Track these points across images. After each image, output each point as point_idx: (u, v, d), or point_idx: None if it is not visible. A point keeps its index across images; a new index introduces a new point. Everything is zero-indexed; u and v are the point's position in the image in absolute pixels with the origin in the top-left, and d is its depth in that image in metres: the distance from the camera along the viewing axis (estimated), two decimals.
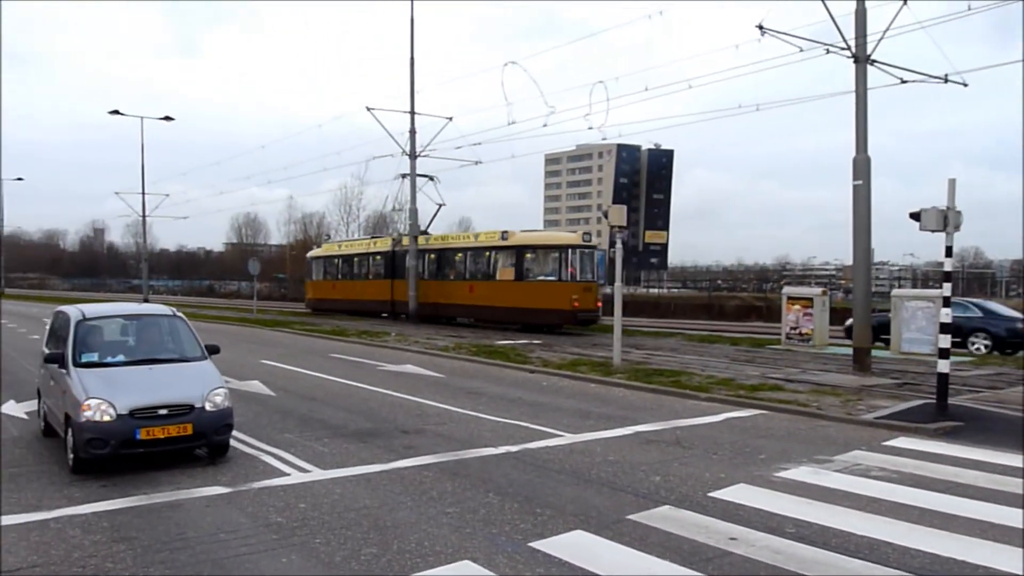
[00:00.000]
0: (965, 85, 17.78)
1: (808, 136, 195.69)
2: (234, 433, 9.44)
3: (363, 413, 12.22)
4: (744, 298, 49.46)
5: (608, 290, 33.09)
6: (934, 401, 12.16)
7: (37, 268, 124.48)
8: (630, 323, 30.18)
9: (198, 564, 5.78)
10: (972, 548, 6.04)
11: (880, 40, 17.00)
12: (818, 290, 24.31)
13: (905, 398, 13.07)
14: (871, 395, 13.50)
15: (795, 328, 22.52)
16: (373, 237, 44.37)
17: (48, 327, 10.85)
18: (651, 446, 9.88)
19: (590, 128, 25.54)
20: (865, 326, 17.17)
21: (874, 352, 17.80)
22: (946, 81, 17.69)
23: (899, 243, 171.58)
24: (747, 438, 10.34)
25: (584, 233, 30.06)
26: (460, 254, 32.40)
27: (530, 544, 6.16)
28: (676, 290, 75.67)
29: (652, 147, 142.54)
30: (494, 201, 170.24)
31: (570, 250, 28.12)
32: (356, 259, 40.94)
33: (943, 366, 11.96)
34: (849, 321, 24.74)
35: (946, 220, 11.87)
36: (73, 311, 9.83)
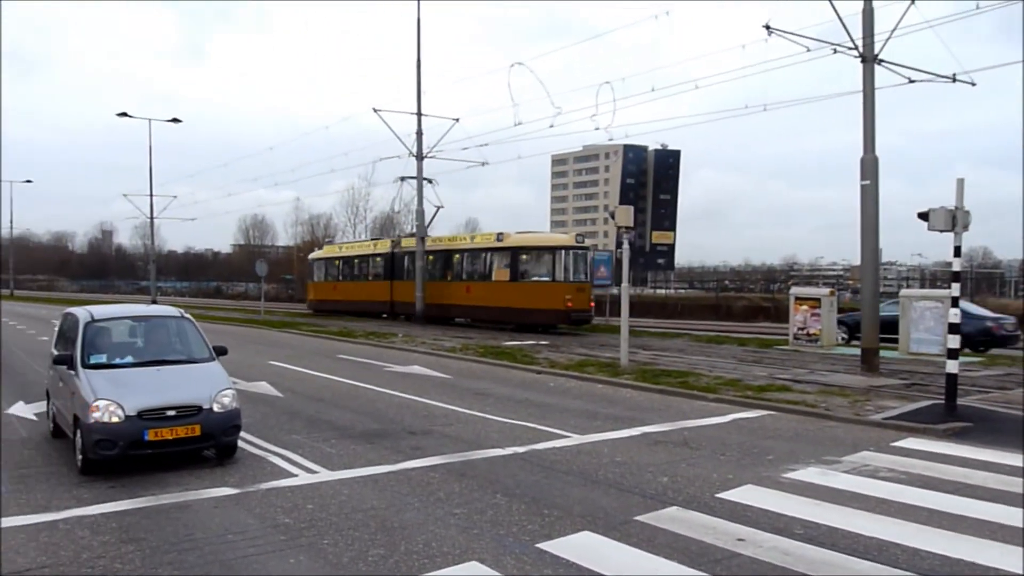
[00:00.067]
0: (973, 84, 17.70)
1: (815, 136, 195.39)
2: (242, 434, 9.46)
3: (370, 414, 12.23)
4: (751, 299, 49.33)
5: (615, 291, 33.15)
6: (943, 402, 12.09)
7: (46, 270, 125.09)
8: (637, 324, 30.18)
9: (206, 565, 5.80)
10: (981, 549, 6.02)
11: (888, 40, 16.96)
12: (826, 290, 24.23)
13: (914, 399, 13.02)
14: (879, 396, 13.45)
15: (803, 329, 22.46)
16: (373, 239, 44.85)
17: (57, 329, 10.89)
18: (659, 447, 9.86)
19: (597, 129, 25.68)
20: (873, 326, 17.10)
21: (882, 352, 17.74)
22: (954, 81, 17.63)
23: (907, 243, 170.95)
24: (755, 439, 10.32)
25: (577, 235, 30.88)
26: (458, 255, 32.93)
27: (538, 545, 6.16)
28: (683, 291, 75.58)
29: (659, 148, 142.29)
30: (502, 202, 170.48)
31: (563, 251, 28.68)
32: (356, 261, 41.54)
33: (952, 366, 11.90)
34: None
35: (954, 220, 11.82)
36: (82, 313, 9.87)
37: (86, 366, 8.95)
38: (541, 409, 12.62)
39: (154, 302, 35.81)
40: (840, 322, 23.72)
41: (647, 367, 17.44)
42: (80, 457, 8.46)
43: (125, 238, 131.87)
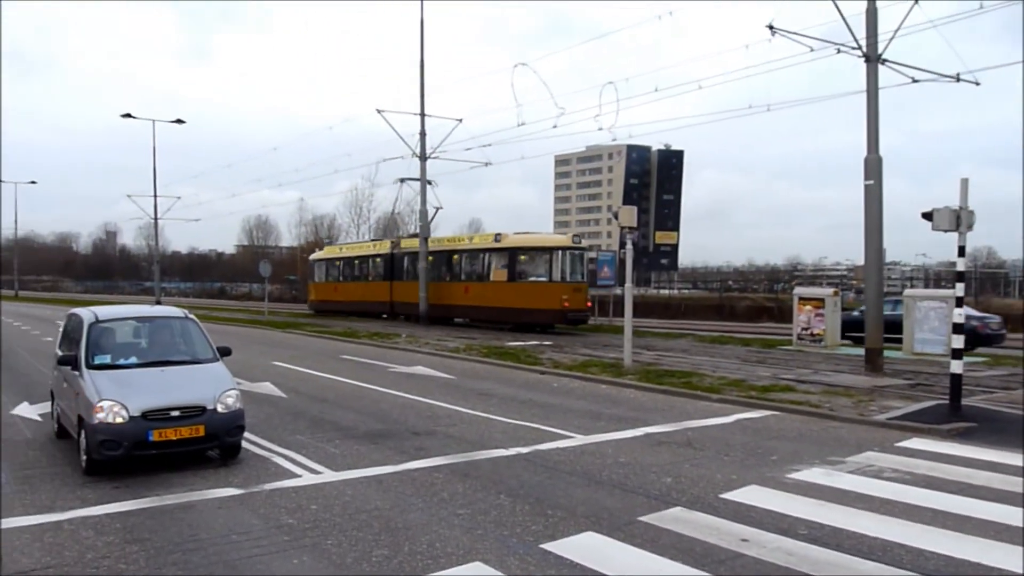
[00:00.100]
0: (977, 84, 17.67)
1: (819, 136, 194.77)
2: (246, 435, 9.47)
3: (374, 414, 12.24)
4: (755, 299, 49.26)
5: (619, 291, 33.18)
6: (947, 402, 12.08)
7: (50, 271, 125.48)
8: (641, 324, 30.15)
9: (210, 565, 5.81)
10: (986, 550, 6.00)
11: (891, 39, 16.95)
12: (830, 290, 24.20)
13: (918, 399, 13.00)
14: (883, 396, 13.43)
15: (806, 329, 22.44)
16: (373, 240, 45.12)
17: (61, 329, 10.92)
18: (662, 447, 9.86)
19: (600, 129, 25.86)
20: (877, 326, 17.07)
21: (886, 353, 17.71)
22: (958, 80, 17.59)
23: (911, 243, 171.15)
24: (759, 439, 10.30)
25: (574, 235, 31.41)
26: (456, 256, 33.28)
27: (541, 545, 6.16)
28: (687, 291, 75.49)
29: (662, 148, 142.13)
30: (505, 203, 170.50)
31: (560, 252, 28.98)
32: (356, 262, 41.86)
33: (956, 367, 11.88)
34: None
35: (959, 220, 11.80)
36: (86, 313, 9.89)
37: (90, 367, 8.97)
38: (545, 409, 12.62)
39: (158, 303, 35.89)
40: None
41: (651, 367, 17.43)
42: (84, 458, 8.48)
43: (129, 239, 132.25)
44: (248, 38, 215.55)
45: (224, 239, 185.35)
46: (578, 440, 10.26)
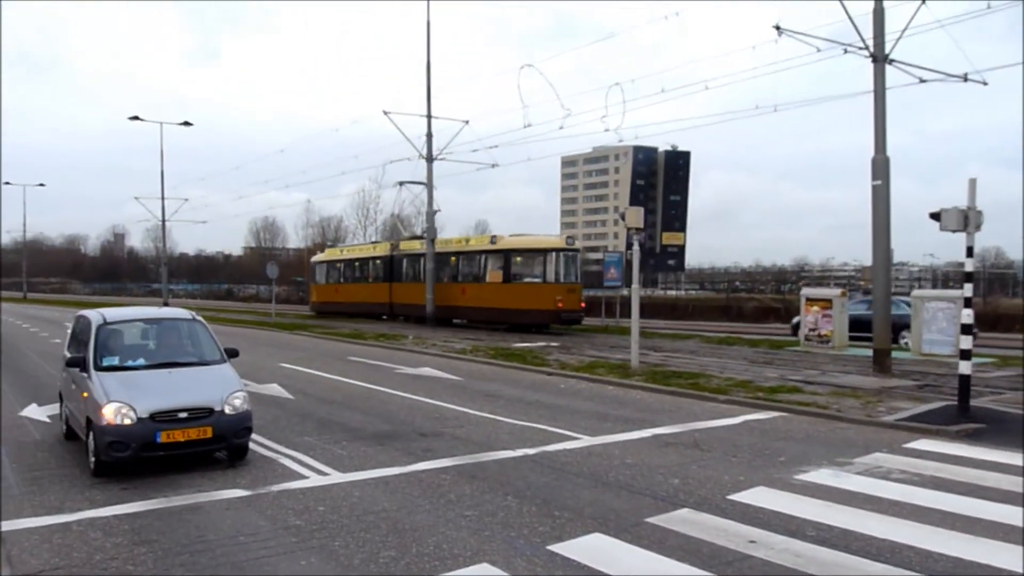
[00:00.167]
0: (985, 84, 17.59)
1: (826, 136, 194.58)
2: (253, 436, 9.49)
3: (381, 416, 12.25)
4: (762, 299, 49.22)
5: (625, 292, 33.21)
6: (955, 403, 12.02)
7: (59, 273, 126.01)
8: (648, 325, 30.15)
9: (218, 567, 5.82)
10: (995, 552, 5.98)
11: (898, 39, 16.88)
12: (837, 291, 24.12)
13: (926, 400, 12.95)
14: (891, 397, 13.38)
15: (814, 329, 22.37)
16: (373, 242, 45.56)
17: (70, 331, 10.96)
18: (669, 448, 9.84)
19: (606, 130, 25.55)
20: (885, 327, 17.02)
21: (894, 354, 17.65)
22: (966, 80, 17.53)
23: (919, 244, 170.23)
24: (766, 440, 10.28)
25: (568, 237, 31.88)
26: (454, 258, 33.62)
27: (548, 547, 6.16)
28: (694, 292, 75.34)
29: (669, 149, 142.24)
30: (512, 204, 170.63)
31: (553, 253, 29.30)
32: (357, 263, 42.31)
33: (965, 367, 11.83)
34: (796, 319, 24.84)
35: (967, 220, 11.75)
36: (94, 315, 9.93)
37: (99, 368, 9.00)
38: (552, 411, 12.62)
39: (166, 304, 36.04)
40: None
41: (658, 368, 17.41)
42: (93, 459, 8.51)
43: (137, 241, 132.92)
44: (251, 39, 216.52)
45: (231, 241, 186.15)
46: (585, 441, 10.25)
